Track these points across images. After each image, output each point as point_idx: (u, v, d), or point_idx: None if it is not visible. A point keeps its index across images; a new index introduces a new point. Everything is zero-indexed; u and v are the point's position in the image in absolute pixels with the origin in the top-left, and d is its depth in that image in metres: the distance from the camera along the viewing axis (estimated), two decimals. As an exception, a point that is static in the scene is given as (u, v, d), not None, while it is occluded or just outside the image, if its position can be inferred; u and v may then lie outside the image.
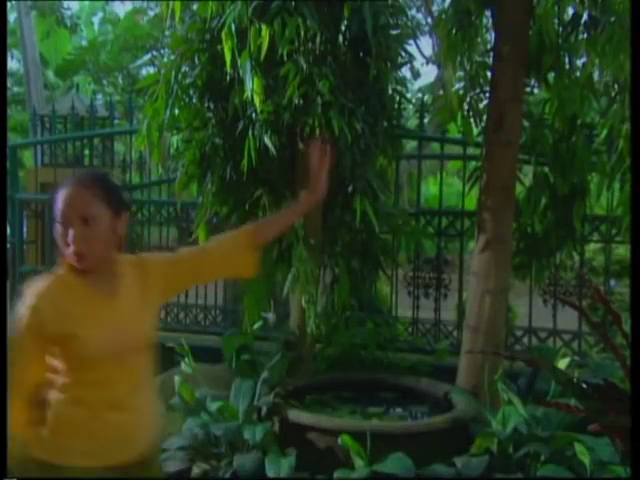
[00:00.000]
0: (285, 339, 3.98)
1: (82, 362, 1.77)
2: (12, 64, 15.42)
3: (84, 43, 16.36)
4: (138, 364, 1.90)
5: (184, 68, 3.79)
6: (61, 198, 1.79)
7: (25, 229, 5.75)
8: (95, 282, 1.82)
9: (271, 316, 4.32)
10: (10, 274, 5.46)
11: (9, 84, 14.60)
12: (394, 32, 3.78)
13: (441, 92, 6.28)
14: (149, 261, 1.95)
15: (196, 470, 3.44)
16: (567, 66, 3.75)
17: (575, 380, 2.47)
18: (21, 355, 1.75)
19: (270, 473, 3.14)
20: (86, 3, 16.25)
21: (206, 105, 3.87)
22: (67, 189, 1.80)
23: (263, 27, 3.34)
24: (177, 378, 3.67)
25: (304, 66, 3.37)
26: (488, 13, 3.87)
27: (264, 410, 3.50)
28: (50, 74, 15.73)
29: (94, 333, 1.77)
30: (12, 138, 11.04)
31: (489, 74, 3.81)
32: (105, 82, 15.63)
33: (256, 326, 4.00)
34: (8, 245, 5.57)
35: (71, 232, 1.75)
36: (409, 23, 4.21)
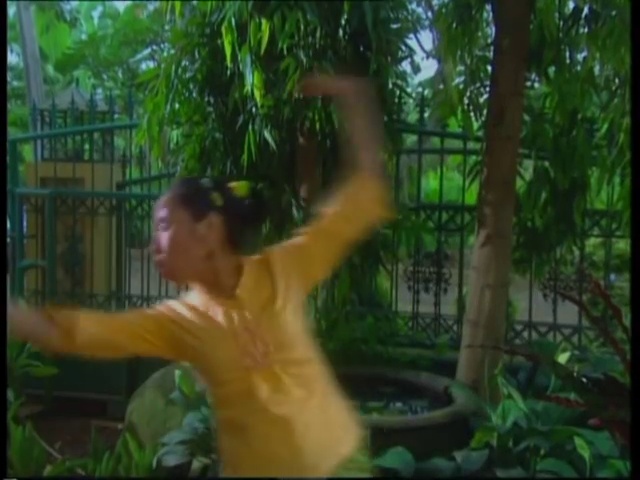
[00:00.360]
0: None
1: (219, 381, 1.67)
2: (12, 58, 15.41)
3: (84, 37, 16.33)
4: (299, 375, 1.67)
5: (184, 62, 3.79)
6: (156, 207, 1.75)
7: (25, 223, 5.75)
8: (215, 293, 1.70)
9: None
10: (10, 268, 5.46)
11: (9, 78, 14.58)
12: (394, 26, 3.77)
13: (441, 86, 6.27)
14: (272, 256, 1.76)
15: (196, 464, 3.45)
16: (568, 60, 3.74)
17: (575, 374, 2.47)
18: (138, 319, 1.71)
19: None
20: (86, -3, 16.22)
21: (206, 99, 3.87)
22: (163, 197, 1.75)
23: (263, 21, 3.33)
24: (177, 372, 3.67)
25: (304, 60, 3.36)
26: (488, 7, 3.86)
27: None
28: (50, 68, 15.71)
29: (219, 349, 1.65)
30: (12, 132, 11.03)
31: (489, 68, 3.80)
32: (105, 76, 15.62)
33: (256, 320, 4.00)
34: (8, 239, 5.57)
35: (155, 236, 1.70)
36: (409, 17, 4.19)
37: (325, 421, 1.68)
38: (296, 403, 1.64)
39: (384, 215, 1.85)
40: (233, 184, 1.78)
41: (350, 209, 1.77)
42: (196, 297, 1.73)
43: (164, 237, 1.67)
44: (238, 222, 1.72)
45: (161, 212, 1.70)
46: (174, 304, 1.73)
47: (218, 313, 1.68)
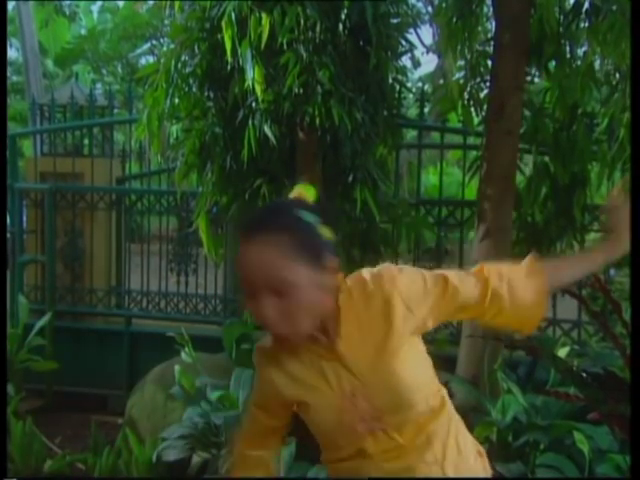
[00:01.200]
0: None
1: (326, 433, 1.49)
2: (11, 53, 15.38)
3: (83, 32, 16.30)
4: (418, 431, 1.44)
5: (184, 57, 3.78)
6: (242, 259, 1.33)
7: (25, 218, 5.75)
8: (312, 339, 1.42)
9: (271, 306, 4.33)
10: (10, 263, 5.46)
11: (8, 73, 14.55)
12: (394, 21, 3.76)
13: (441, 81, 6.25)
14: (396, 289, 1.42)
15: (196, 459, 3.46)
16: (568, 55, 3.74)
17: (575, 369, 2.48)
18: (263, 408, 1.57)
19: (270, 462, 3.16)
20: (85, -9, 16.18)
21: (206, 94, 3.86)
22: (248, 246, 1.32)
23: (263, 16, 3.33)
24: (177, 367, 3.68)
25: (304, 55, 3.36)
26: (489, 1, 3.85)
27: (264, 399, 3.51)
28: (49, 63, 15.69)
29: (322, 398, 1.43)
30: (11, 127, 11.02)
31: (490, 63, 3.80)
32: (104, 71, 15.59)
33: (256, 316, 4.00)
34: (8, 235, 5.57)
35: (261, 305, 1.32)
36: (409, 12, 4.19)
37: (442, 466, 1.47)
38: (412, 456, 1.44)
39: (527, 330, 1.57)
40: (303, 195, 1.48)
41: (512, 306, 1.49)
42: (287, 352, 1.45)
43: (280, 307, 1.31)
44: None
45: (267, 275, 1.30)
46: (272, 375, 1.47)
47: (324, 372, 1.42)
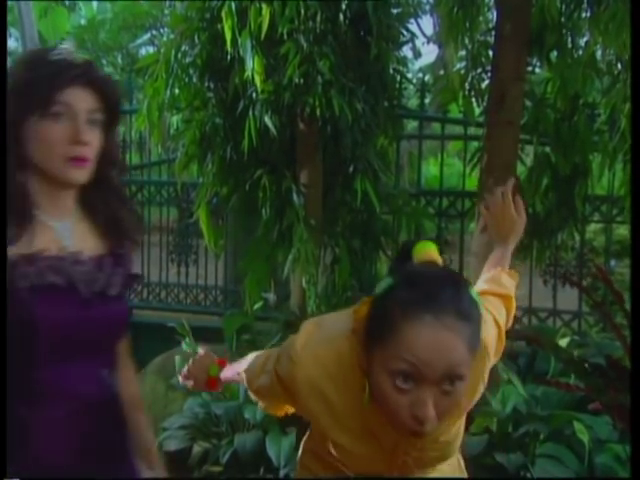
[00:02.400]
0: (285, 319, 3.99)
1: (343, 456, 1.37)
2: (10, 42, 15.32)
3: (83, 22, 16.24)
4: (429, 464, 1.39)
5: (184, 47, 3.77)
6: (429, 339, 1.11)
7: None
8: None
9: (272, 296, 4.34)
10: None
11: (8, 63, 14.50)
12: (395, 11, 3.75)
13: (442, 72, 6.23)
14: (489, 359, 1.36)
15: (197, 449, 3.47)
16: (569, 45, 3.72)
17: (576, 358, 2.48)
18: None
19: (271, 452, 3.17)
20: (84, -19, 16.12)
21: (206, 85, 3.85)
22: (428, 328, 1.11)
23: (263, 6, 3.31)
24: (178, 358, 3.68)
25: (304, 45, 3.34)
26: (490, -9, 3.84)
27: (265, 390, 3.52)
28: (49, 53, 15.65)
29: (363, 451, 1.32)
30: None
31: (491, 53, 3.78)
32: (104, 61, 15.53)
33: (257, 306, 4.02)
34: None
35: (428, 399, 1.13)
36: (410, 1, 4.17)
37: None
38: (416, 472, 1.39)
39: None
40: (435, 258, 1.30)
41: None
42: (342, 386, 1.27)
43: (446, 400, 1.14)
44: None
45: (446, 366, 1.12)
46: (310, 402, 1.30)
47: (382, 429, 1.28)
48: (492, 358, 1.39)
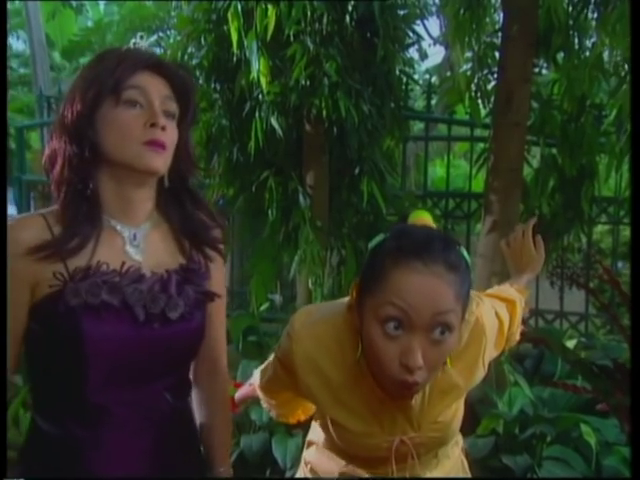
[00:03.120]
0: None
1: (346, 443, 1.38)
2: (18, 45, 15.40)
3: (90, 24, 16.28)
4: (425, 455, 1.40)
5: (190, 49, 3.78)
6: (414, 284, 1.13)
7: (32, 211, 5.77)
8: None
9: (278, 298, 4.33)
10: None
11: (15, 65, 14.58)
12: (401, 12, 3.75)
13: (449, 73, 6.22)
14: (485, 337, 1.34)
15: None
16: (576, 46, 3.72)
17: (583, 360, 2.47)
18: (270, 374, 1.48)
19: (277, 454, 3.17)
20: (91, -17, 16.16)
21: (213, 86, 3.86)
22: (426, 274, 1.13)
23: (269, 7, 3.32)
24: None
25: (311, 47, 3.35)
26: (497, -8, 3.83)
27: (271, 391, 3.52)
28: (56, 55, 15.69)
29: (365, 431, 1.32)
30: (18, 119, 11.04)
31: (497, 54, 3.78)
32: (111, 64, 15.58)
33: (263, 307, 4.02)
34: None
35: (414, 341, 1.13)
36: (417, 3, 4.18)
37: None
38: (417, 471, 1.39)
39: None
40: (428, 223, 1.30)
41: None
42: (337, 360, 1.29)
43: (429, 353, 1.14)
44: None
45: (432, 311, 1.13)
46: (308, 379, 1.31)
47: (379, 410, 1.31)
48: (491, 344, 1.37)
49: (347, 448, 1.38)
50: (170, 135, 1.22)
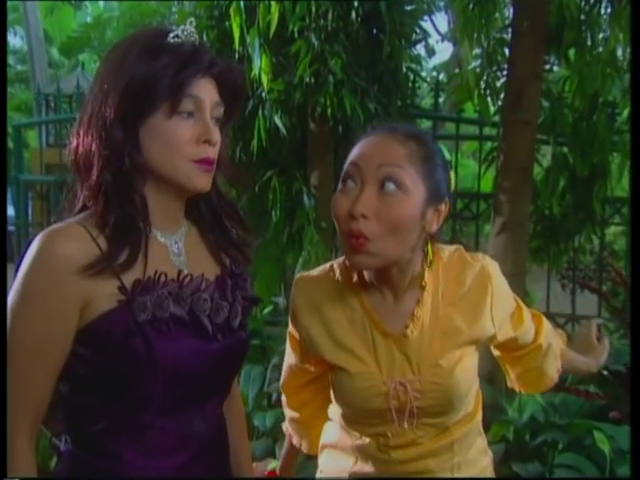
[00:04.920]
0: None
1: (351, 405, 1.36)
2: (15, 41, 15.44)
3: (89, 20, 16.33)
4: (442, 439, 1.37)
5: (192, 46, 3.78)
6: (360, 145, 1.28)
7: (30, 211, 5.78)
8: (385, 298, 1.32)
9: (281, 300, 4.33)
10: (16, 257, 5.49)
11: (12, 62, 14.62)
12: (408, 8, 3.75)
13: (457, 70, 6.23)
14: (491, 286, 1.34)
15: (206, 457, 3.47)
16: (589, 42, 3.71)
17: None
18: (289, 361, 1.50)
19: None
20: (91, -22, 16.21)
21: (214, 84, 3.87)
22: (375, 136, 1.28)
23: (273, 3, 3.32)
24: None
25: (315, 43, 3.35)
26: (506, -13, 3.83)
27: (274, 396, 3.52)
28: (54, 52, 15.73)
29: (364, 374, 1.31)
30: (16, 117, 11.07)
31: (507, 51, 3.77)
32: (110, 60, 15.60)
33: (266, 310, 4.02)
34: (13, 227, 5.59)
35: (364, 193, 1.21)
36: (424, -2, 4.18)
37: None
38: (429, 461, 1.37)
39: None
40: None
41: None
42: (335, 303, 1.34)
43: (382, 202, 1.21)
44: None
45: (379, 162, 1.22)
46: (308, 323, 1.35)
47: (375, 347, 1.32)
48: (502, 307, 1.36)
49: (349, 402, 1.36)
50: (218, 145, 1.15)
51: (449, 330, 1.31)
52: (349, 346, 1.32)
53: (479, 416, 1.47)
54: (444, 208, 1.28)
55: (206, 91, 1.12)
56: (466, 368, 1.33)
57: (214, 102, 1.13)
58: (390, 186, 1.20)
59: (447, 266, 1.34)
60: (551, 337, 1.55)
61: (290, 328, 1.43)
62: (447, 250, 1.37)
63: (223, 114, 1.17)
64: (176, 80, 1.08)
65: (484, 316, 1.32)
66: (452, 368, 1.30)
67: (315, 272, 1.40)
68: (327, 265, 1.40)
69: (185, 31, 1.12)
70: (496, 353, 1.55)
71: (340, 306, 1.33)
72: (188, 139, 1.10)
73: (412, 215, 1.21)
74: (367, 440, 1.37)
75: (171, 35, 1.11)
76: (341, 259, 1.37)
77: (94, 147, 1.10)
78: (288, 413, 1.59)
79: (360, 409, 1.34)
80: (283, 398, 1.59)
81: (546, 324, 1.55)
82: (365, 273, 1.32)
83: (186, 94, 1.09)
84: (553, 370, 1.56)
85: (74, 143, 1.13)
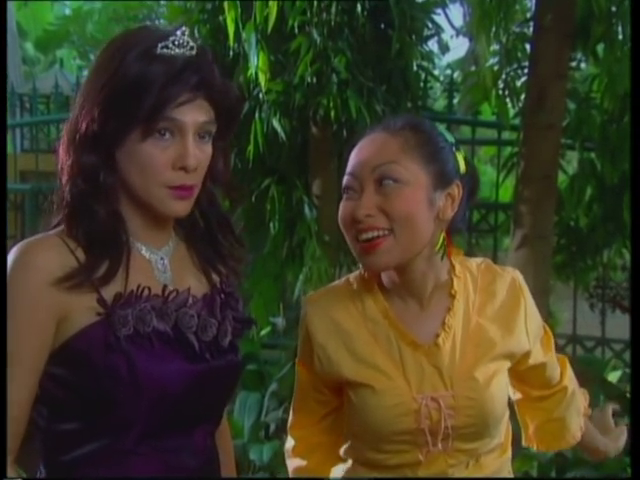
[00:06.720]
0: (296, 347, 3.99)
1: (375, 429, 1.33)
2: (-14, 36, 15.50)
3: (68, 12, 16.41)
4: (476, 460, 1.36)
5: (182, 42, 3.81)
6: (354, 152, 1.34)
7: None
8: (409, 307, 1.34)
9: (280, 321, 4.34)
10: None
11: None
12: (420, 0, 3.77)
13: (473, 68, 6.26)
14: (524, 300, 1.38)
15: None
16: (620, 36, 3.73)
17: (628, 395, 2.46)
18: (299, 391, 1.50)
19: (279, 499, 3.17)
20: (69, -33, 16.32)
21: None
22: (366, 137, 1.35)
23: (271, -5, 3.35)
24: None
25: (318, 40, 3.38)
26: (527, -23, 3.86)
27: (272, 427, 3.52)
28: (29, 47, 15.80)
29: (392, 390, 1.30)
30: (-13, 120, 11.12)
31: (528, 47, 3.80)
32: (92, 56, 15.68)
33: (264, 332, 4.02)
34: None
35: (364, 197, 1.27)
36: (437, -11, 4.20)
37: None
38: None
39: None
40: None
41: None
42: (354, 318, 1.35)
43: (383, 202, 1.27)
44: (466, 200, 1.35)
45: (375, 160, 1.29)
46: (326, 343, 1.35)
47: (403, 359, 1.32)
48: (534, 324, 1.39)
49: (374, 425, 1.32)
50: (201, 167, 1.16)
51: (482, 342, 1.33)
52: (373, 361, 1.32)
53: (509, 452, 1.46)
54: (457, 191, 1.31)
55: (190, 113, 1.12)
56: (501, 385, 1.34)
57: (200, 122, 1.14)
58: (388, 182, 1.27)
59: (476, 276, 1.37)
60: (575, 386, 1.57)
61: (298, 358, 1.44)
62: (474, 261, 1.41)
63: (218, 129, 1.18)
64: (155, 101, 1.09)
65: (518, 328, 1.35)
66: (487, 382, 1.31)
67: (328, 288, 1.45)
68: (341, 279, 1.43)
69: (176, 41, 1.12)
70: (517, 397, 1.56)
71: (361, 319, 1.34)
72: (163, 164, 1.12)
73: (417, 202, 1.27)
74: (390, 475, 1.35)
75: (160, 45, 1.11)
76: (356, 272, 1.40)
77: (65, 158, 1.15)
78: (293, 463, 1.55)
79: (387, 432, 1.31)
80: (287, 446, 1.56)
81: (570, 370, 1.56)
82: (385, 281, 1.34)
83: (164, 116, 1.10)
84: (576, 426, 1.55)
85: (58, 150, 1.18)
